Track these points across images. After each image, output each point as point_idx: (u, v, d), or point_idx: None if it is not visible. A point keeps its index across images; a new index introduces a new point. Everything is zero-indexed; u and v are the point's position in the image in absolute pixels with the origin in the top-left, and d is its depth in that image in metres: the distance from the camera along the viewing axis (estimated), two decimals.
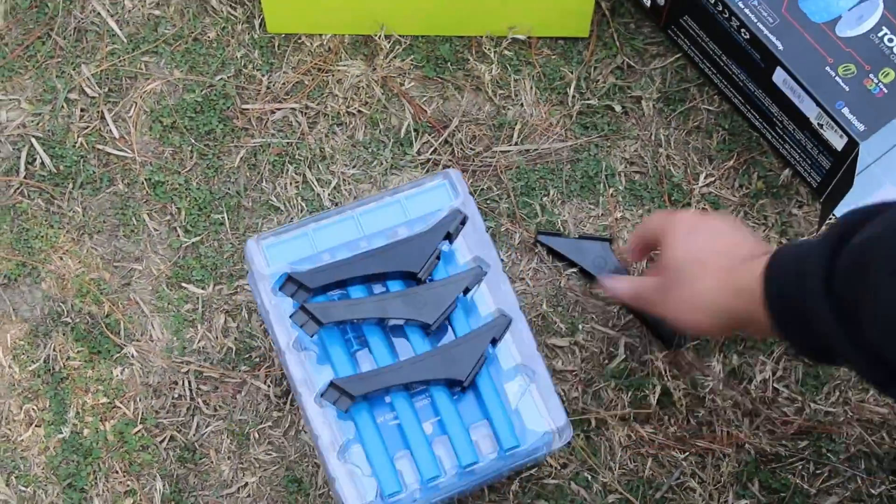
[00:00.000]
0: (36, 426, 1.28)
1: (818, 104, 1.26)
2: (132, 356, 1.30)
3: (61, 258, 1.34)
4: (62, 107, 1.40)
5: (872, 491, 1.24)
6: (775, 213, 1.36)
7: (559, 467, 1.25)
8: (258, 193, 1.36)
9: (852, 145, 1.25)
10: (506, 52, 1.43)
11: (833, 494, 1.24)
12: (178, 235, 1.34)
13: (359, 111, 1.40)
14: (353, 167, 1.37)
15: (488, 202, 1.35)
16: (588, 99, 1.41)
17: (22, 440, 1.27)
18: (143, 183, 1.37)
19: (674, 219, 1.14)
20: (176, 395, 1.29)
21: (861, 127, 1.24)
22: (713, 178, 1.37)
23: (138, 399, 1.29)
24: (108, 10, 1.44)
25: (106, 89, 1.41)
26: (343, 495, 1.11)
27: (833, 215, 1.33)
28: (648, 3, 1.42)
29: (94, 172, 1.37)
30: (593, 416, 1.26)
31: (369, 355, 1.18)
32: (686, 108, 1.41)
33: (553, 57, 1.43)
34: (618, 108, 1.41)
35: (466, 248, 1.22)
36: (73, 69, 1.42)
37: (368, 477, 1.12)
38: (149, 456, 1.26)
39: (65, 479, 1.26)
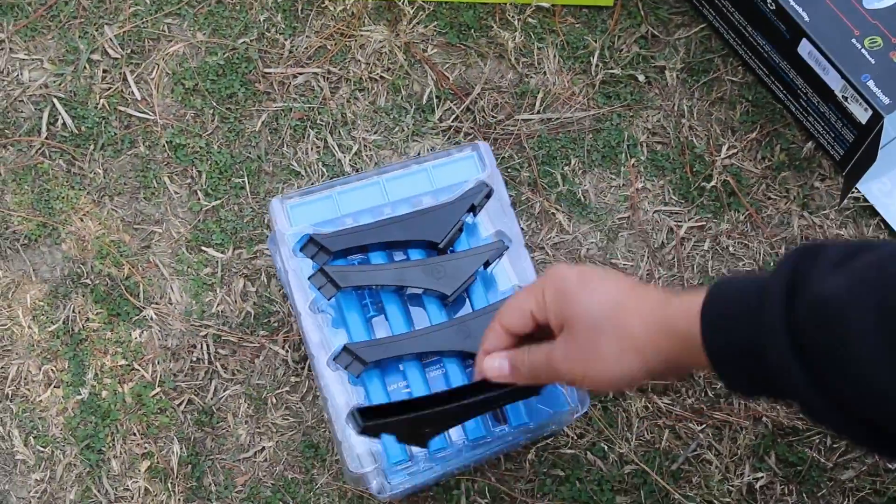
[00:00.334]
0: (55, 387, 1.28)
1: (843, 76, 1.25)
2: (151, 319, 1.30)
3: (82, 219, 1.34)
4: (84, 68, 1.40)
5: (889, 465, 1.24)
6: (797, 186, 1.35)
7: (576, 437, 1.25)
8: (279, 158, 1.36)
9: (877, 119, 1.24)
10: (529, 19, 1.42)
11: (850, 468, 1.24)
12: (199, 199, 1.34)
13: (381, 77, 1.40)
14: (375, 133, 1.37)
15: (509, 171, 1.35)
16: (611, 68, 1.40)
17: (41, 401, 1.28)
18: (164, 145, 1.37)
19: (556, 276, 0.97)
20: (194, 359, 1.29)
21: (886, 100, 1.24)
22: (735, 150, 1.37)
23: (157, 362, 1.29)
24: None
25: (128, 51, 1.41)
26: (348, 460, 1.11)
27: (856, 189, 1.33)
28: None
29: (115, 134, 1.37)
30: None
31: (385, 322, 1.18)
32: (710, 79, 1.40)
33: (577, 25, 1.42)
34: (641, 78, 1.40)
35: (489, 222, 1.21)
36: (96, 30, 1.42)
37: (375, 443, 1.12)
38: (166, 419, 1.27)
39: (83, 441, 1.26)
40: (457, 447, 1.13)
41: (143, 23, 1.42)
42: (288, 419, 1.26)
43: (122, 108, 1.38)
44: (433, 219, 1.19)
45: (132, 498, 1.24)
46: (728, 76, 1.40)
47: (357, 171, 1.34)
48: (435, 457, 1.13)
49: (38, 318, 1.31)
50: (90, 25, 1.42)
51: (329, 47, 1.41)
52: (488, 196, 1.20)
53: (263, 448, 1.25)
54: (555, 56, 1.41)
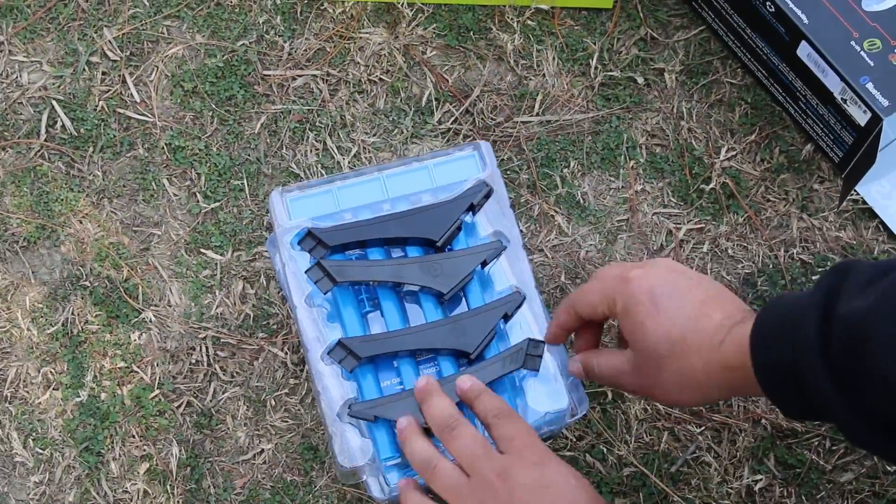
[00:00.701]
0: (54, 389, 1.28)
1: (842, 79, 1.25)
2: (150, 321, 1.30)
3: (81, 222, 1.34)
4: (84, 70, 1.40)
5: (888, 468, 1.24)
6: (796, 189, 1.35)
7: (575, 439, 1.25)
8: (278, 160, 1.36)
9: (876, 121, 1.24)
10: (528, 21, 1.42)
11: (849, 471, 1.24)
12: (198, 201, 1.34)
13: (380, 79, 1.40)
14: (374, 135, 1.37)
15: (508, 173, 1.35)
16: (610, 70, 1.40)
17: (39, 402, 1.28)
18: (163, 148, 1.37)
19: (628, 289, 1.01)
20: (193, 361, 1.29)
21: (885, 102, 1.24)
22: (735, 152, 1.37)
23: (156, 364, 1.29)
24: None
25: (127, 53, 1.41)
26: (338, 454, 1.11)
27: (855, 191, 1.33)
28: None
29: (114, 136, 1.37)
30: (610, 389, 1.26)
31: (380, 318, 1.18)
32: (709, 82, 1.40)
33: (576, 27, 1.42)
34: (640, 80, 1.40)
35: (488, 222, 1.21)
36: (95, 32, 1.42)
37: (366, 439, 1.12)
38: (165, 421, 1.27)
39: (82, 443, 1.26)
40: None
41: (142, 25, 1.42)
42: (287, 421, 1.26)
43: (121, 111, 1.38)
44: (432, 217, 1.19)
45: (131, 500, 1.24)
46: (727, 78, 1.40)
47: None
48: None
49: (37, 321, 1.31)
50: (89, 27, 1.42)
51: (328, 49, 1.41)
52: (488, 196, 1.20)
53: (262, 450, 1.25)
54: (554, 58, 1.41)
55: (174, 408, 1.27)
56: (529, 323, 1.17)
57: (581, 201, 1.34)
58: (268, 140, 1.37)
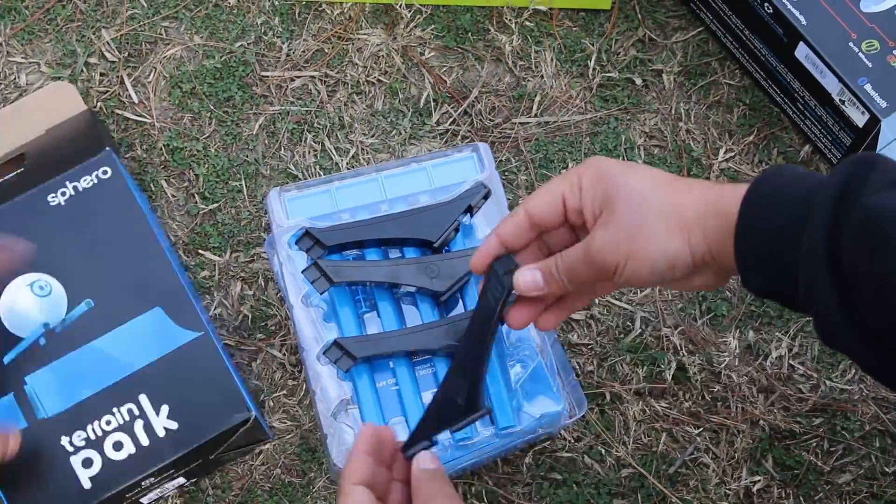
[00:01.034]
0: None
1: (840, 80, 1.25)
2: None
3: None
4: (82, 71, 1.40)
5: (886, 469, 1.24)
6: None
7: (573, 441, 1.25)
8: (276, 161, 1.36)
9: (874, 122, 1.24)
10: (527, 22, 1.42)
11: (847, 472, 1.24)
12: (196, 202, 1.34)
13: (378, 80, 1.40)
14: (372, 136, 1.37)
15: (507, 174, 1.35)
16: (609, 72, 1.40)
17: None
18: (161, 149, 1.37)
19: (594, 162, 0.91)
20: None
21: (883, 104, 1.24)
22: (733, 153, 1.37)
23: None
24: None
25: (126, 54, 1.41)
26: (334, 454, 1.11)
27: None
28: None
29: (112, 137, 1.37)
30: (608, 390, 1.26)
31: (377, 319, 1.18)
32: (707, 83, 1.40)
33: (574, 29, 1.42)
34: (638, 82, 1.40)
35: (486, 223, 1.21)
36: (93, 33, 1.42)
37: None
38: None
39: None
40: (443, 446, 1.13)
41: (140, 26, 1.42)
42: (285, 422, 1.26)
43: (119, 112, 1.38)
44: (429, 218, 1.19)
45: None
46: (725, 79, 1.40)
47: None
48: None
49: None
50: (87, 29, 1.42)
51: (326, 51, 1.41)
52: (486, 197, 1.20)
53: (260, 451, 1.25)
54: (552, 59, 1.41)
55: None
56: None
57: None
58: (266, 141, 1.37)
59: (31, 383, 1.16)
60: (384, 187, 1.22)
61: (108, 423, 1.15)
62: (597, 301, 1.30)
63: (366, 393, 1.14)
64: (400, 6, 1.42)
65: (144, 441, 1.15)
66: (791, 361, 1.28)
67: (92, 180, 1.24)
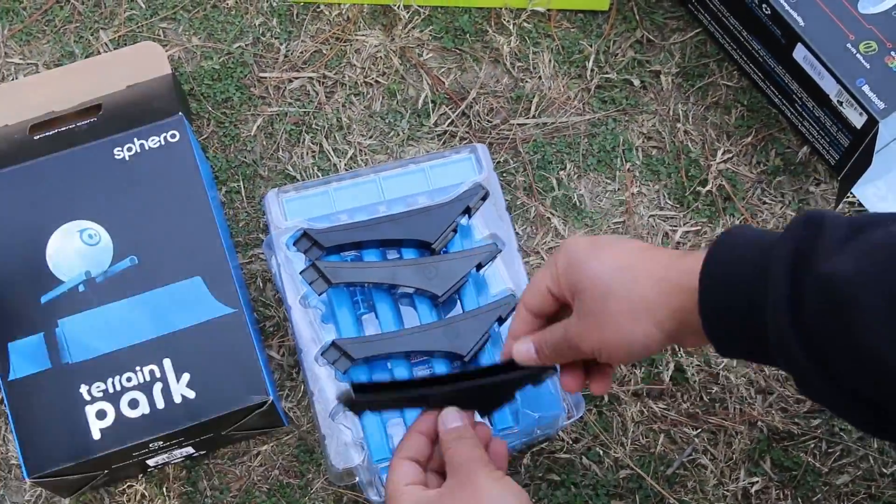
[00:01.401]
0: None
1: (838, 81, 1.25)
2: None
3: None
4: None
5: (884, 470, 1.24)
6: (792, 191, 1.35)
7: (571, 442, 1.25)
8: (274, 162, 1.36)
9: (872, 123, 1.24)
10: (525, 24, 1.42)
11: (845, 473, 1.24)
12: None
13: (376, 81, 1.40)
14: (370, 138, 1.37)
15: (504, 175, 1.35)
16: (606, 73, 1.40)
17: None
18: None
19: (565, 249, 0.96)
20: None
21: (881, 105, 1.24)
22: (731, 155, 1.37)
23: None
24: None
25: None
26: (332, 455, 1.11)
27: (851, 193, 1.33)
28: None
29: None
30: (607, 392, 1.26)
31: (375, 320, 1.18)
32: (705, 84, 1.40)
33: (572, 30, 1.42)
34: (636, 83, 1.40)
35: (484, 225, 1.21)
36: (92, 34, 1.42)
37: (360, 440, 1.12)
38: None
39: None
40: None
41: (138, 27, 1.42)
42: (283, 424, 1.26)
43: None
44: (428, 219, 1.19)
45: (128, 502, 1.24)
46: (723, 81, 1.40)
47: None
48: None
49: None
50: (86, 30, 1.42)
51: (324, 52, 1.41)
52: (484, 198, 1.20)
53: (259, 453, 1.25)
54: (550, 60, 1.41)
55: None
56: None
57: (577, 204, 1.34)
58: (264, 142, 1.37)
59: (63, 327, 1.17)
60: (382, 188, 1.22)
61: (129, 380, 1.16)
62: None
63: None
64: (398, 7, 1.42)
65: (160, 404, 1.15)
66: None
67: (159, 141, 1.24)
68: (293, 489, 1.24)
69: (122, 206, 1.22)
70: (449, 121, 1.38)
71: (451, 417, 1.00)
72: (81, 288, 1.19)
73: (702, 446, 1.25)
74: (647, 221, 1.34)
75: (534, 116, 1.38)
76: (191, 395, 1.16)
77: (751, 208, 1.34)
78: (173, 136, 1.25)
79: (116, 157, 1.24)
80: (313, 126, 1.37)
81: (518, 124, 1.38)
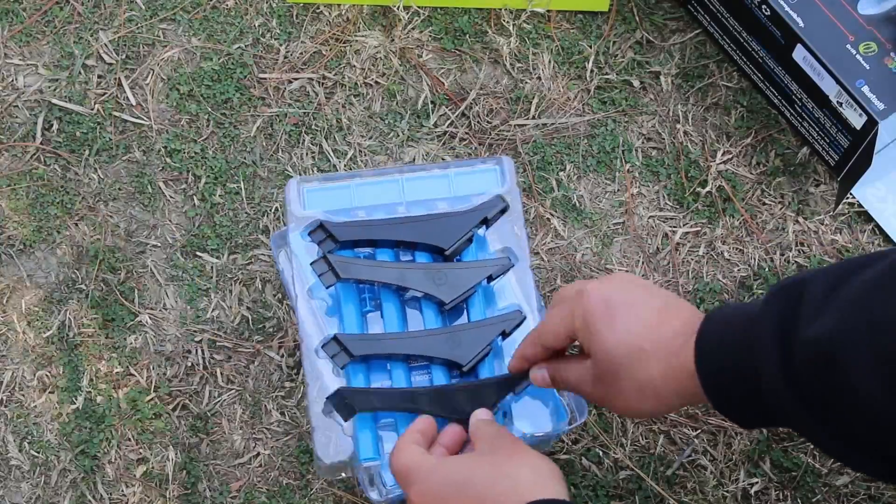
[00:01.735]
0: (49, 392, 1.28)
1: (838, 82, 1.25)
2: (146, 324, 1.30)
3: (76, 225, 1.34)
4: (79, 73, 1.40)
5: None
6: (792, 192, 1.35)
7: (571, 443, 1.25)
8: (274, 163, 1.36)
9: (871, 124, 1.24)
10: (524, 24, 1.42)
11: (845, 474, 1.24)
12: (194, 204, 1.34)
13: (376, 82, 1.40)
14: (370, 138, 1.37)
15: None
16: (606, 74, 1.40)
17: (35, 406, 1.28)
18: (159, 151, 1.37)
19: (583, 302, 0.99)
20: (189, 364, 1.29)
21: (881, 106, 1.24)
22: (730, 156, 1.37)
23: (151, 367, 1.29)
24: None
25: (123, 56, 1.41)
26: (318, 448, 1.11)
27: (851, 194, 1.33)
28: None
29: (110, 139, 1.37)
30: None
31: (380, 319, 1.18)
32: (704, 85, 1.40)
33: (572, 31, 1.42)
34: (636, 84, 1.40)
35: (498, 239, 1.21)
36: (91, 35, 1.42)
37: (349, 437, 1.12)
38: (161, 424, 1.27)
39: (77, 446, 1.26)
40: None
41: (137, 28, 1.42)
42: (283, 425, 1.26)
43: (117, 114, 1.38)
44: (445, 225, 1.18)
45: (127, 503, 1.24)
46: (723, 82, 1.40)
47: None
48: None
49: (32, 324, 1.31)
50: (85, 31, 1.42)
51: (324, 53, 1.41)
52: (503, 211, 1.20)
53: (258, 453, 1.25)
54: (550, 61, 1.41)
55: (170, 411, 1.27)
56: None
57: (577, 204, 1.34)
58: (264, 143, 1.37)
59: None
60: (404, 189, 1.22)
61: None
62: None
63: None
64: (398, 8, 1.42)
65: None
66: None
67: None
68: (293, 490, 1.24)
69: None
70: (449, 121, 1.38)
71: (482, 412, 1.05)
72: None
73: (701, 447, 1.25)
74: (646, 222, 1.34)
75: (533, 117, 1.38)
76: None
77: (750, 209, 1.34)
78: None
79: None
80: (313, 127, 1.37)
81: (518, 125, 1.38)
